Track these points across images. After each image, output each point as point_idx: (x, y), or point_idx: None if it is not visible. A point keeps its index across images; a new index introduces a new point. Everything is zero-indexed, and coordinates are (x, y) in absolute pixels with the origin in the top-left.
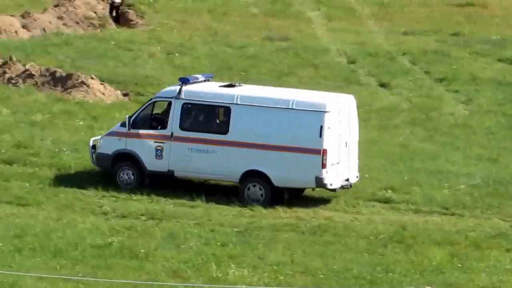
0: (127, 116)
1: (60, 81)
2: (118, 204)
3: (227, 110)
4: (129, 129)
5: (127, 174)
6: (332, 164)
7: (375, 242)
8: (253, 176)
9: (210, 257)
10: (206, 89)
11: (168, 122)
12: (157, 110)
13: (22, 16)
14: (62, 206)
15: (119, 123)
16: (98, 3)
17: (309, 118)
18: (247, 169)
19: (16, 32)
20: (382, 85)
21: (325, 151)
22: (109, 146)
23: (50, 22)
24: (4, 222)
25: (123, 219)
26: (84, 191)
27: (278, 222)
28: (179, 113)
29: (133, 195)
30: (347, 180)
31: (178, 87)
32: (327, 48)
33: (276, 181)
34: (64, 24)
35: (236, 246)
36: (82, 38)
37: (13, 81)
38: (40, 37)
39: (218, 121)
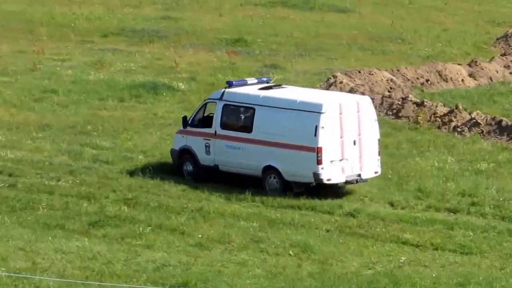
0: (183, 116)
1: (506, 130)
2: None
3: (252, 111)
4: (184, 128)
5: (187, 166)
6: (332, 161)
7: None
8: (270, 170)
9: None
10: (244, 91)
11: (213, 122)
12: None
13: (469, 65)
14: (505, 255)
15: None
16: None
17: (308, 118)
18: (266, 164)
19: (462, 80)
20: None
21: (319, 149)
22: (177, 143)
23: (497, 71)
24: (447, 270)
25: None
26: None
27: None
28: (220, 113)
29: None
30: (359, 175)
31: (223, 90)
32: None
33: (285, 176)
34: (510, 73)
35: None
36: None
37: (459, 129)
38: (487, 85)
39: (246, 120)
